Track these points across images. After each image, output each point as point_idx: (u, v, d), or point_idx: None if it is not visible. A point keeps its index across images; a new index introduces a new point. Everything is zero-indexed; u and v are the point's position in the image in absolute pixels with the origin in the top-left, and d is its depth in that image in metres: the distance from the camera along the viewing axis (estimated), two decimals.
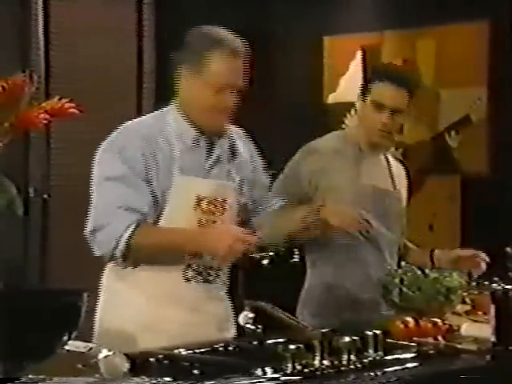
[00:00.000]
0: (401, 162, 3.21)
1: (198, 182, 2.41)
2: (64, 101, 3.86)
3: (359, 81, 4.86)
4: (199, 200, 2.39)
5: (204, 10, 4.89)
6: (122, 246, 2.31)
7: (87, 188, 5.07)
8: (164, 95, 5.03)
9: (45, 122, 3.92)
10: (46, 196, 4.50)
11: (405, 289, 2.48)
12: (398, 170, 3.10)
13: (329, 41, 5.01)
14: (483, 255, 2.84)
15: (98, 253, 2.36)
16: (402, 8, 4.73)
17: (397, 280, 2.51)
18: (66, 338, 1.54)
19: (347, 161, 2.92)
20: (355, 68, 4.91)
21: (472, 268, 2.81)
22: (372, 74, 2.99)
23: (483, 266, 2.83)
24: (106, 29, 4.80)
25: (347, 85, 4.88)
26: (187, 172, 2.39)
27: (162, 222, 2.37)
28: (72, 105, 3.84)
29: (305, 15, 5.00)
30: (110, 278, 2.45)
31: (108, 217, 2.35)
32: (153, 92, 4.99)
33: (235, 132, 2.57)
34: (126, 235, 2.31)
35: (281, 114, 5.10)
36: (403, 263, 2.65)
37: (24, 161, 4.39)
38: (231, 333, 2.47)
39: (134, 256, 2.35)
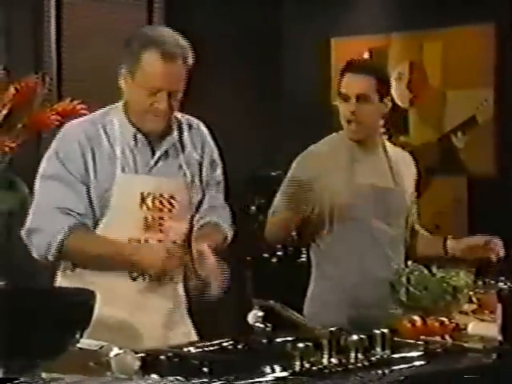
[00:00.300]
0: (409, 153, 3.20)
1: (140, 178, 2.36)
2: (75, 102, 3.89)
3: None
4: (143, 197, 2.33)
5: (213, 13, 4.90)
6: (53, 250, 2.26)
7: None
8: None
9: (57, 123, 3.94)
10: None
11: (412, 288, 2.48)
12: (402, 162, 3.06)
13: (336, 42, 5.00)
14: (497, 241, 2.81)
15: (34, 255, 2.32)
16: (408, 10, 4.72)
17: (404, 279, 2.51)
18: (78, 336, 1.54)
19: (342, 162, 2.91)
20: None
21: (487, 255, 2.79)
22: (340, 72, 2.98)
23: (500, 251, 2.78)
24: (117, 32, 4.80)
25: None
26: (129, 170, 2.35)
27: (106, 221, 2.31)
28: (83, 106, 3.86)
29: (313, 17, 5.00)
30: (60, 275, 2.39)
31: (42, 219, 2.30)
32: None
33: (186, 124, 2.52)
34: (58, 240, 2.26)
35: (288, 113, 5.10)
36: (410, 262, 2.64)
37: (36, 161, 4.39)
38: (182, 330, 2.44)
39: (68, 259, 2.31)
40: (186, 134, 2.49)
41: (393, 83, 4.79)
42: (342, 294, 2.84)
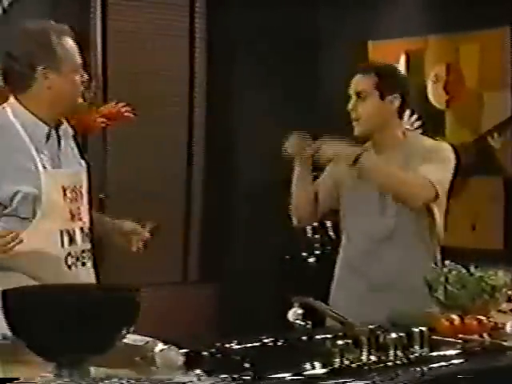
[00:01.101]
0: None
1: (59, 173, 2.41)
2: (120, 105, 3.91)
3: None
4: (64, 190, 2.40)
5: (253, 15, 4.89)
6: None
7: (142, 188, 5.13)
8: (214, 96, 5.08)
9: (102, 125, 3.97)
10: (102, 196, 4.54)
11: (450, 287, 2.45)
12: (426, 158, 2.97)
13: (373, 45, 4.97)
14: None
15: None
16: (445, 13, 4.67)
17: (442, 278, 2.48)
18: (124, 332, 1.55)
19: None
20: None
21: None
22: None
23: None
24: (160, 35, 4.83)
25: None
26: (49, 166, 2.39)
27: (39, 218, 2.34)
28: (128, 109, 3.89)
29: (350, 20, 4.97)
30: None
31: None
32: (204, 94, 5.01)
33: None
34: None
35: (324, 115, 5.08)
36: (447, 262, 2.61)
37: None
38: None
39: None
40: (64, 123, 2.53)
41: (429, 85, 4.77)
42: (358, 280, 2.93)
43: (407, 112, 4.74)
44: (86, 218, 2.48)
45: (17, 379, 1.52)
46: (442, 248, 3.03)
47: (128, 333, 1.58)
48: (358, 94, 2.96)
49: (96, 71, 4.51)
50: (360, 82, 2.97)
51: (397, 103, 2.97)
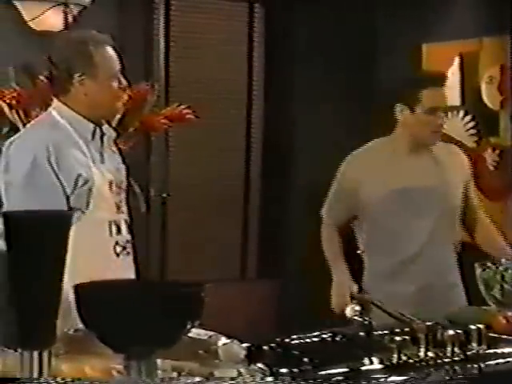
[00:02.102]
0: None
1: (106, 167, 2.47)
2: (182, 107, 3.94)
3: (457, 87, 4.76)
4: (110, 184, 2.46)
5: (308, 22, 4.88)
6: None
7: (203, 187, 5.17)
8: (272, 100, 5.07)
9: (165, 126, 4.01)
10: (165, 195, 4.57)
11: (506, 285, 2.40)
12: (451, 160, 3.06)
13: (427, 48, 4.91)
14: None
15: None
16: (499, 15, 4.59)
17: (498, 277, 2.44)
18: (189, 326, 1.56)
19: (383, 164, 3.03)
20: (453, 74, 4.80)
21: None
22: (415, 85, 3.08)
23: None
24: (220, 40, 4.85)
25: (446, 90, 4.77)
26: (96, 161, 2.45)
27: (92, 207, 2.41)
28: (189, 111, 3.92)
29: (405, 23, 4.92)
30: None
31: None
32: (261, 98, 5.02)
33: None
34: None
35: (379, 115, 5.04)
36: (503, 260, 2.56)
37: (146, 163, 4.48)
38: None
39: None
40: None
41: (483, 86, 4.69)
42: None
43: (461, 113, 4.74)
44: (126, 212, 2.55)
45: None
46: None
47: (193, 327, 1.59)
48: (444, 110, 3.07)
49: (159, 75, 4.55)
50: (444, 97, 3.09)
51: None
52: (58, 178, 2.39)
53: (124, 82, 2.52)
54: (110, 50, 2.48)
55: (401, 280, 3.00)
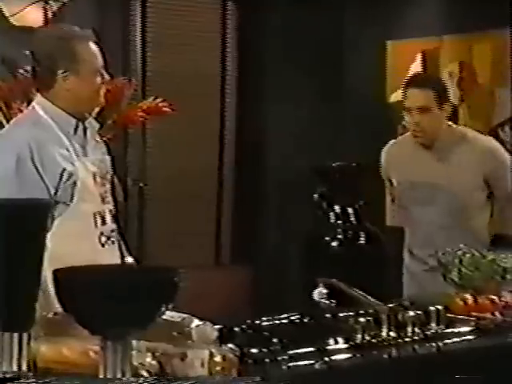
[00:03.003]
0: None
1: (89, 160, 2.42)
2: (158, 101, 3.92)
3: None
4: (94, 176, 2.42)
5: (281, 16, 4.87)
6: None
7: (179, 177, 5.15)
8: (245, 92, 5.07)
9: (142, 119, 3.99)
10: (142, 185, 4.56)
11: (464, 269, 2.43)
12: (467, 161, 3.03)
13: (392, 45, 4.93)
14: None
15: None
16: (459, 14, 4.62)
17: (456, 261, 2.47)
18: (163, 309, 1.56)
19: (404, 160, 3.08)
20: (415, 70, 4.82)
21: None
22: (403, 86, 3.06)
23: None
24: (194, 37, 4.83)
25: None
26: (80, 154, 2.40)
27: (76, 200, 2.37)
28: (165, 104, 3.90)
29: (371, 21, 4.94)
30: None
31: None
32: (235, 92, 5.01)
33: None
34: None
35: (348, 111, 5.06)
36: (462, 245, 2.59)
37: (123, 154, 4.46)
38: None
39: None
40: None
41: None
42: None
43: None
44: (111, 202, 2.51)
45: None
46: None
47: (167, 310, 1.59)
48: (421, 109, 2.95)
49: (136, 70, 4.53)
50: (420, 97, 2.96)
51: (450, 110, 3.05)
52: (42, 178, 2.35)
53: (106, 76, 2.46)
54: (92, 46, 2.42)
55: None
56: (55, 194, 2.36)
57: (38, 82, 2.47)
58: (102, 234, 2.44)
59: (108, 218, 2.47)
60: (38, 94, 2.47)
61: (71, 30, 2.44)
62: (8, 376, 1.53)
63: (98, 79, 2.43)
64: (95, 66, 2.42)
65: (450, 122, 3.11)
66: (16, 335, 1.60)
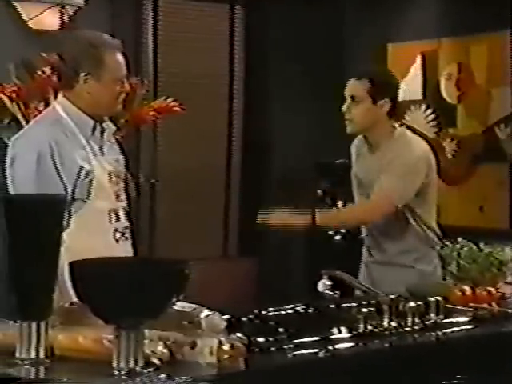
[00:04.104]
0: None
1: (105, 159, 2.43)
2: (169, 100, 3.92)
3: (419, 82, 4.77)
4: (110, 174, 2.43)
5: (287, 18, 4.86)
6: None
7: (188, 173, 5.15)
8: (251, 94, 5.07)
9: (153, 118, 3.98)
10: (153, 181, 4.56)
11: (462, 261, 2.42)
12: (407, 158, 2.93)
13: (392, 47, 4.91)
14: None
15: None
16: (457, 17, 4.60)
17: (455, 254, 2.45)
18: (175, 299, 1.56)
19: (353, 155, 3.07)
20: (415, 71, 4.81)
21: None
22: None
23: None
24: (203, 39, 4.83)
25: (408, 86, 4.78)
26: (97, 154, 2.41)
27: (92, 197, 2.38)
28: (176, 104, 3.90)
29: (372, 25, 4.92)
30: None
31: None
32: (242, 92, 5.00)
33: None
34: None
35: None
36: (460, 239, 2.58)
37: (136, 151, 4.47)
38: None
39: None
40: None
41: (442, 82, 4.71)
42: None
43: (423, 106, 4.75)
44: (125, 199, 2.52)
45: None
46: (454, 227, 3.00)
47: (178, 300, 1.59)
48: (352, 98, 2.92)
49: (148, 71, 4.52)
50: (354, 87, 2.93)
51: (387, 107, 2.92)
52: (60, 175, 2.35)
53: (127, 86, 2.47)
54: (119, 56, 2.43)
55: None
56: (73, 191, 2.37)
57: (62, 81, 2.47)
58: (116, 230, 2.44)
59: (122, 214, 2.47)
60: (60, 94, 2.47)
61: (101, 38, 2.45)
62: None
63: (118, 88, 2.43)
64: (118, 75, 2.43)
65: (395, 123, 2.99)
66: (34, 324, 1.60)
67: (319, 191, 4.56)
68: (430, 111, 4.72)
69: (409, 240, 2.93)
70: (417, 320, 2.02)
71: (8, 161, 2.40)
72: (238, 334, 1.73)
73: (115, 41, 2.46)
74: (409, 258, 2.92)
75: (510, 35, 4.36)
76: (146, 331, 1.60)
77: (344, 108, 2.95)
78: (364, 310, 1.97)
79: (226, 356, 1.66)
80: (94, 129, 2.44)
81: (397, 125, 3.01)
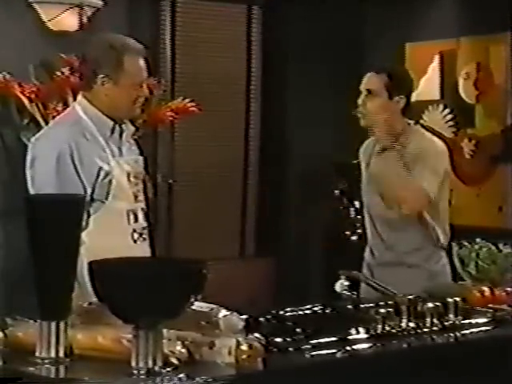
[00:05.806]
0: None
1: (124, 160, 2.43)
2: (186, 101, 3.93)
3: (437, 82, 4.75)
4: (128, 175, 2.43)
5: (302, 18, 4.85)
6: None
7: (206, 173, 5.16)
8: (268, 94, 5.07)
9: (171, 118, 4.00)
10: (171, 181, 4.57)
11: (481, 262, 2.41)
12: (424, 156, 2.89)
13: (410, 47, 4.90)
14: None
15: None
16: (476, 17, 4.57)
17: (473, 254, 2.44)
18: (192, 299, 1.56)
19: (366, 154, 3.06)
20: (433, 71, 4.79)
21: None
22: None
23: None
24: (221, 40, 4.83)
25: (427, 85, 4.76)
26: (116, 155, 2.42)
27: (111, 198, 2.38)
28: (193, 104, 3.91)
29: (391, 24, 4.90)
30: None
31: None
32: (259, 92, 5.01)
33: None
34: None
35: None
36: (478, 239, 2.56)
37: (153, 152, 4.48)
38: None
39: None
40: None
41: (461, 82, 4.68)
42: None
43: (441, 106, 4.72)
44: (143, 200, 2.51)
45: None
46: (473, 227, 2.98)
47: (196, 300, 1.59)
48: (369, 91, 2.91)
49: (165, 71, 4.53)
50: (372, 80, 2.92)
51: (402, 103, 2.92)
52: (80, 176, 2.36)
53: (146, 91, 2.48)
54: (140, 61, 2.42)
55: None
56: (92, 191, 2.38)
57: (82, 82, 2.49)
58: (134, 230, 2.45)
59: (140, 215, 2.47)
60: (79, 95, 2.49)
61: (123, 41, 2.45)
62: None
63: (136, 92, 2.43)
64: (136, 80, 2.43)
65: (409, 121, 2.98)
66: (54, 324, 1.61)
67: (336, 191, 4.55)
68: (447, 111, 4.69)
69: (418, 238, 2.91)
70: (435, 321, 2.01)
71: (28, 161, 2.42)
72: (256, 334, 1.74)
73: (138, 45, 2.45)
74: (418, 256, 2.90)
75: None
76: (165, 331, 1.61)
77: (359, 101, 2.93)
78: (382, 310, 1.96)
79: (244, 356, 1.66)
80: (113, 130, 2.45)
81: (412, 122, 3.01)
